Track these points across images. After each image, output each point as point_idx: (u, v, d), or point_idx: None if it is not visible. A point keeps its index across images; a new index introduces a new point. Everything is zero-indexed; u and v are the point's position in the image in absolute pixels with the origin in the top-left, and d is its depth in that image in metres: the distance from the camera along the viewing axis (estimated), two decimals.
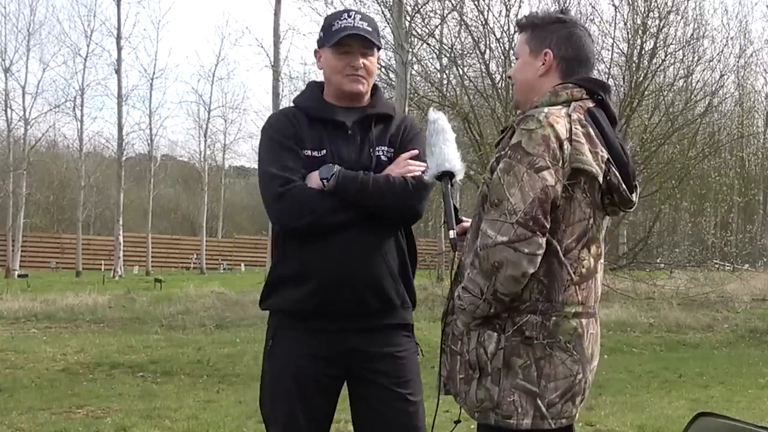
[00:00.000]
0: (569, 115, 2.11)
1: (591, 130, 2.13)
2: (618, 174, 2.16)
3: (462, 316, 2.14)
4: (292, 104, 2.71)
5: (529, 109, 2.16)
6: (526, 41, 2.27)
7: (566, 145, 2.06)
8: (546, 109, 2.10)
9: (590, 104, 2.18)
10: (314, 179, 2.48)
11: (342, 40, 2.52)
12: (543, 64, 2.23)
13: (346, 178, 2.45)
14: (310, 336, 2.50)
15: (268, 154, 2.55)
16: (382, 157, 2.58)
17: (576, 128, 2.09)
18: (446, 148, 2.33)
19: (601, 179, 2.12)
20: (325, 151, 2.54)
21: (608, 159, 2.14)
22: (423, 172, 2.43)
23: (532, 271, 2.03)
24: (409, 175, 2.52)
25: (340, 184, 2.44)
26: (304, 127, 2.56)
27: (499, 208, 2.03)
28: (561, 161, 2.05)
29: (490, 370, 2.09)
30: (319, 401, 2.52)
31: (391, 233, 2.58)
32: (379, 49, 2.61)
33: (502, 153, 2.10)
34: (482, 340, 2.10)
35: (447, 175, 2.30)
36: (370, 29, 2.56)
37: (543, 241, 2.03)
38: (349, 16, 2.56)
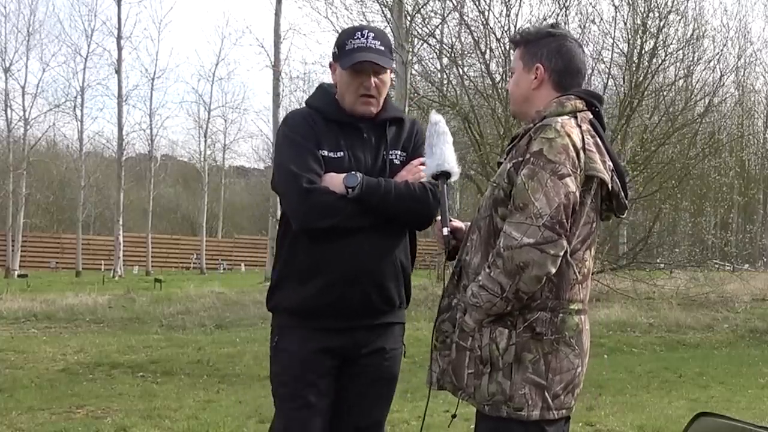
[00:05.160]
0: (579, 126, 2.23)
1: (598, 140, 2.26)
2: (618, 181, 2.29)
3: (475, 313, 2.21)
4: (304, 105, 2.78)
5: (538, 119, 2.26)
6: (520, 56, 2.39)
7: (581, 153, 2.18)
8: (560, 119, 2.21)
9: (590, 115, 2.30)
10: (334, 182, 2.56)
11: (354, 66, 2.59)
12: (535, 77, 2.34)
13: (370, 187, 2.55)
14: (315, 332, 2.62)
15: (289, 152, 2.61)
16: (395, 161, 2.69)
17: (587, 138, 2.22)
18: (446, 150, 2.49)
19: (610, 186, 2.24)
20: (342, 153, 2.63)
21: (612, 167, 2.26)
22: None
23: (554, 271, 2.13)
24: (423, 179, 2.62)
25: (364, 194, 2.54)
26: (321, 128, 2.64)
27: (524, 212, 2.12)
28: (578, 169, 2.16)
29: (502, 365, 2.18)
30: (323, 384, 2.65)
31: (402, 235, 2.70)
32: (392, 68, 2.68)
33: (521, 159, 2.20)
34: (494, 336, 2.19)
35: (444, 176, 2.48)
36: (382, 48, 2.63)
37: (566, 243, 2.13)
38: (362, 36, 2.62)
